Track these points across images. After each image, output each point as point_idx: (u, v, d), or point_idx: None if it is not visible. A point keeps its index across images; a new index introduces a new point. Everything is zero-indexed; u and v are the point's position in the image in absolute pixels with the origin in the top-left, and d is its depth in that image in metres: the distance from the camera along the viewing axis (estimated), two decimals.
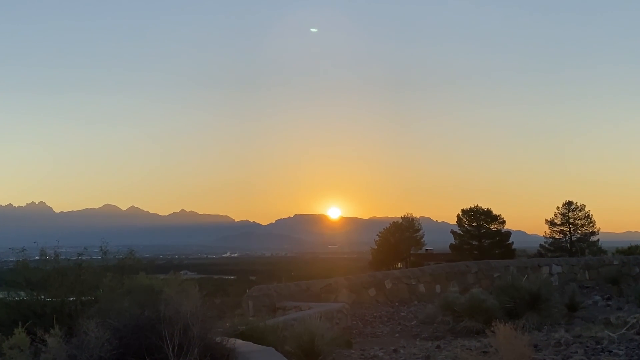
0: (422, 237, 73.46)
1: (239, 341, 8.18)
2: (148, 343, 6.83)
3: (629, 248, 40.77)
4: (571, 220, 62.77)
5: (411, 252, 71.11)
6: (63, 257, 15.55)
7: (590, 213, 62.80)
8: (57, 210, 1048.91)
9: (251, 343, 8.50)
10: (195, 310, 7.24)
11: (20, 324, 8.40)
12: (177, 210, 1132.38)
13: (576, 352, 10.41)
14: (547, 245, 63.20)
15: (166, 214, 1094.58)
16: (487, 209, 65.57)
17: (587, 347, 10.90)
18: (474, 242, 64.64)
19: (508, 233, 65.45)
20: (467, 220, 65.53)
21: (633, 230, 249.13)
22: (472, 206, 65.90)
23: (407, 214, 74.49)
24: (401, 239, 70.63)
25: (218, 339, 7.57)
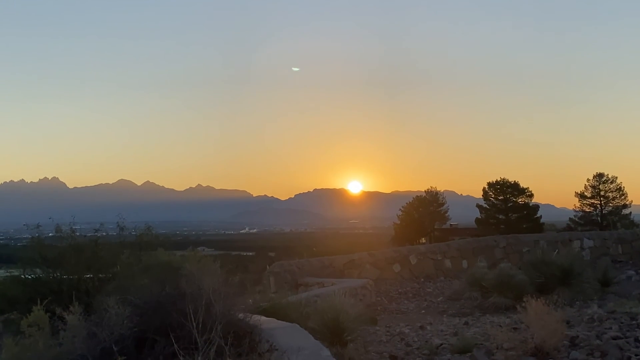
0: (446, 212, 73.21)
1: (263, 318, 8.20)
2: (170, 320, 6.86)
3: None
4: (602, 193, 62.18)
5: (435, 227, 70.93)
6: (78, 233, 15.65)
7: (622, 185, 62.16)
8: (70, 185, 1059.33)
9: (275, 319, 8.53)
10: (217, 287, 7.25)
11: (38, 302, 8.46)
12: (194, 185, 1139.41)
13: (610, 328, 10.31)
14: (576, 219, 62.74)
15: (182, 189, 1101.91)
16: (514, 181, 65.05)
17: (622, 323, 10.80)
18: (500, 216, 64.26)
19: (536, 207, 64.99)
20: (493, 193, 65.10)
21: None
22: (499, 179, 65.41)
23: (431, 187, 74.19)
24: (425, 213, 70.44)
25: (241, 315, 7.59)
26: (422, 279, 22.42)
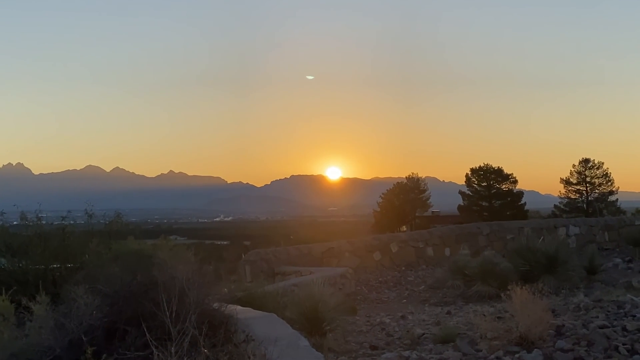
0: (428, 199, 73.56)
1: (239, 307, 8.20)
2: (142, 309, 6.83)
3: None
4: (588, 179, 62.72)
5: (417, 214, 71.20)
6: (44, 221, 15.55)
7: (609, 171, 62.79)
8: (36, 172, 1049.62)
9: (251, 309, 8.53)
10: (190, 276, 7.23)
11: (3, 292, 8.41)
12: (165, 172, 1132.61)
13: (597, 317, 10.38)
14: (562, 206, 63.26)
15: (153, 176, 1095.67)
16: (498, 167, 65.50)
17: (609, 311, 10.87)
18: (483, 203, 64.67)
19: (520, 193, 65.45)
20: (476, 180, 65.47)
21: None
22: (482, 165, 65.81)
23: (412, 174, 74.53)
24: (406, 200, 70.67)
25: (215, 305, 7.59)
26: (404, 268, 22.47)
